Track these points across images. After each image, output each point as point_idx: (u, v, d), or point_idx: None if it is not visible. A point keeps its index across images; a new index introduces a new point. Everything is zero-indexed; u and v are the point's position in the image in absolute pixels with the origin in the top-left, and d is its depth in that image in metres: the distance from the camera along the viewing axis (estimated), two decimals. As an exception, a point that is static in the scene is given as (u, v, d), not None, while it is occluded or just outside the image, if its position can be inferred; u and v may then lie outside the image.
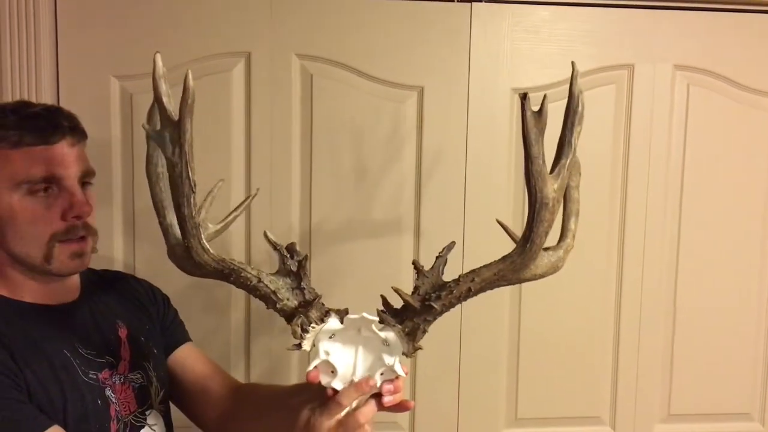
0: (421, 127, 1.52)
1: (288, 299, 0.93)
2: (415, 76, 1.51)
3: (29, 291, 0.99)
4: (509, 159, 1.55)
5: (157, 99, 0.86)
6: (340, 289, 1.51)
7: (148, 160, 1.00)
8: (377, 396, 0.91)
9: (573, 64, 0.88)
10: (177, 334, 1.21)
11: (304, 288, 0.94)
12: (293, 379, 1.54)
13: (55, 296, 1.02)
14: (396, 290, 0.91)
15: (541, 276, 0.96)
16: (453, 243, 0.95)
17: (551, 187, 0.87)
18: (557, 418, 1.63)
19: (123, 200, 1.47)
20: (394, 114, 1.51)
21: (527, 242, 0.89)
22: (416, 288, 0.92)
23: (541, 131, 0.85)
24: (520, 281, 0.94)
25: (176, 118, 0.85)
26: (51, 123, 0.97)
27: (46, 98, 1.40)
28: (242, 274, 0.92)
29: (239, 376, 1.46)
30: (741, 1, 1.56)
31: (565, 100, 0.90)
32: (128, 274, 1.27)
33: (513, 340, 1.60)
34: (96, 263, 1.09)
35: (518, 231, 1.14)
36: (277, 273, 0.94)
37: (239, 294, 1.46)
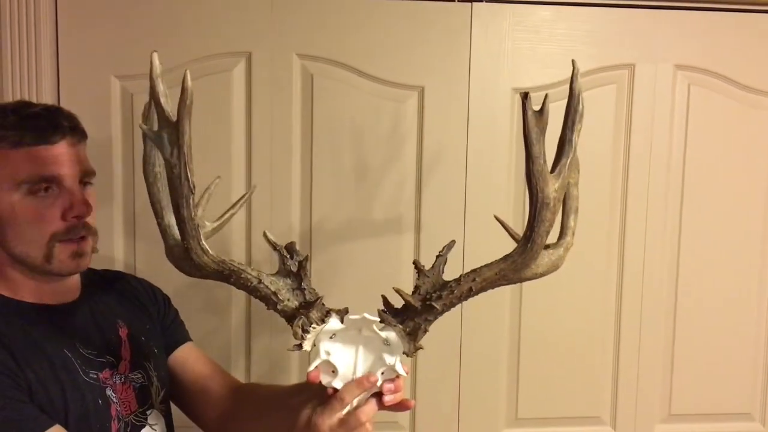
0: (422, 126, 1.52)
1: (288, 300, 0.93)
2: (416, 76, 1.51)
3: (29, 291, 0.99)
4: (510, 159, 1.54)
5: (155, 99, 0.85)
6: (341, 288, 1.51)
7: (145, 159, 1.00)
8: (378, 395, 0.91)
9: (573, 62, 0.88)
10: (177, 334, 1.21)
11: (305, 288, 0.94)
12: (294, 378, 1.54)
13: (55, 296, 1.02)
14: (397, 291, 0.91)
15: (542, 275, 0.96)
16: (453, 242, 0.95)
17: (552, 187, 0.87)
18: (558, 418, 1.63)
19: (123, 200, 1.47)
20: (395, 114, 1.51)
21: (528, 242, 0.89)
22: (417, 287, 0.93)
23: (542, 131, 0.85)
24: (521, 280, 0.94)
25: (174, 118, 0.85)
26: (51, 123, 0.97)
27: (47, 98, 1.40)
28: (242, 276, 0.92)
29: (239, 376, 1.46)
30: (742, 1, 1.56)
31: (566, 100, 0.90)
32: (128, 273, 1.27)
33: (513, 339, 1.60)
34: (96, 263, 1.09)
35: (518, 230, 1.15)
36: (278, 274, 0.94)
37: (239, 294, 1.46)
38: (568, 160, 0.90)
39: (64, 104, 1.39)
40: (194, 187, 0.87)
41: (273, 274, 0.94)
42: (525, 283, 1.07)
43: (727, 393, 1.67)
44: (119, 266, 1.46)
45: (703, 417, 1.67)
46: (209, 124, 1.45)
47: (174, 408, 1.18)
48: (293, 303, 0.93)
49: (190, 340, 1.23)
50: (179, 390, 1.18)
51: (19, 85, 1.39)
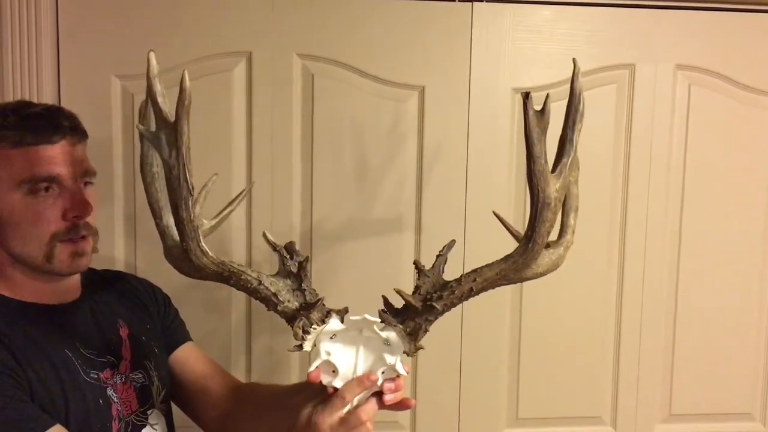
0: (422, 126, 1.52)
1: (289, 301, 0.92)
2: (416, 76, 1.51)
3: (30, 291, 0.99)
4: (510, 158, 1.54)
5: (152, 99, 0.85)
6: (341, 287, 1.51)
7: (143, 159, 0.99)
8: (378, 394, 0.91)
9: (574, 60, 0.88)
10: (177, 334, 1.21)
11: (305, 289, 0.93)
12: (294, 377, 1.54)
13: (56, 296, 1.02)
14: (398, 291, 0.91)
15: (542, 274, 0.96)
16: (453, 241, 0.95)
17: (554, 187, 0.87)
18: (558, 418, 1.63)
19: (124, 200, 1.47)
20: (395, 113, 1.51)
21: (530, 242, 0.89)
22: (417, 287, 0.92)
23: (544, 131, 0.85)
24: (522, 280, 0.94)
25: (172, 119, 0.84)
26: (52, 123, 0.97)
27: (47, 98, 1.40)
28: (242, 277, 0.91)
29: (240, 376, 1.46)
30: (743, 0, 1.56)
31: (566, 100, 0.90)
32: (129, 273, 1.27)
33: (514, 339, 1.60)
34: (97, 263, 1.09)
35: (518, 229, 1.15)
36: (278, 274, 0.94)
37: (240, 293, 1.44)
38: (569, 159, 0.90)
39: (65, 104, 1.40)
40: (193, 188, 0.86)
41: (273, 275, 0.94)
42: (525, 283, 1.07)
43: (728, 393, 1.67)
44: (120, 266, 1.46)
45: (704, 417, 1.67)
46: (210, 124, 1.45)
47: (174, 407, 1.18)
48: (294, 304, 0.92)
49: (190, 339, 1.23)
50: (179, 390, 1.18)
51: (19, 84, 1.39)
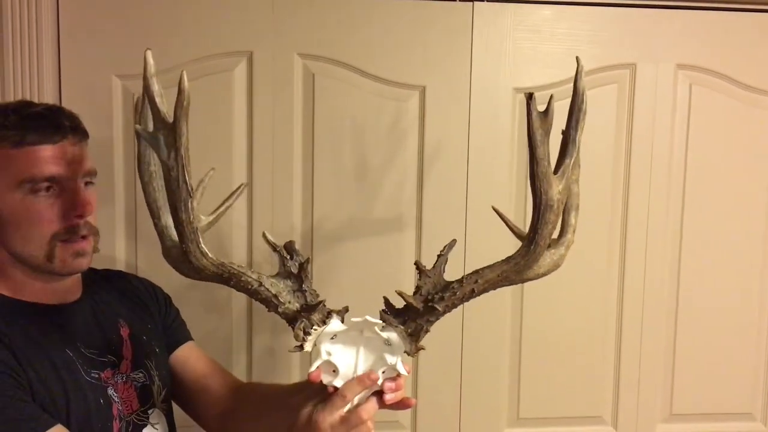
0: (423, 126, 1.52)
1: (290, 302, 0.92)
2: (417, 76, 1.51)
3: (31, 290, 0.99)
4: (511, 158, 1.54)
5: (150, 99, 0.84)
6: (342, 287, 1.51)
7: (140, 158, 0.99)
8: (379, 393, 0.91)
9: (578, 59, 0.87)
10: (178, 334, 1.21)
11: (306, 290, 0.93)
12: (295, 377, 1.54)
13: (56, 296, 1.02)
14: (400, 293, 0.91)
15: (544, 274, 0.96)
16: (454, 241, 0.95)
17: (556, 189, 0.86)
18: (559, 418, 1.63)
19: (125, 199, 1.47)
20: (396, 113, 1.51)
21: (532, 243, 0.89)
22: (418, 288, 0.92)
23: (547, 132, 0.84)
24: (523, 281, 0.94)
25: (170, 119, 0.83)
26: (53, 123, 0.97)
27: (48, 98, 1.40)
28: (242, 279, 0.91)
29: (240, 375, 1.46)
30: (744, 0, 1.56)
31: (567, 100, 0.89)
32: (130, 273, 1.27)
33: (515, 339, 1.60)
34: (98, 263, 1.09)
35: (518, 227, 1.15)
36: (278, 275, 0.94)
37: (240, 293, 1.46)
38: (572, 160, 0.89)
39: (66, 104, 1.40)
40: (193, 190, 0.86)
41: (273, 276, 0.93)
42: (526, 283, 1.06)
43: (729, 393, 1.67)
44: (120, 266, 1.46)
45: (705, 417, 1.67)
46: (210, 124, 1.45)
47: (175, 407, 1.18)
48: (294, 305, 0.92)
49: (191, 339, 1.23)
50: (180, 389, 1.18)
51: (20, 84, 1.39)
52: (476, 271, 0.91)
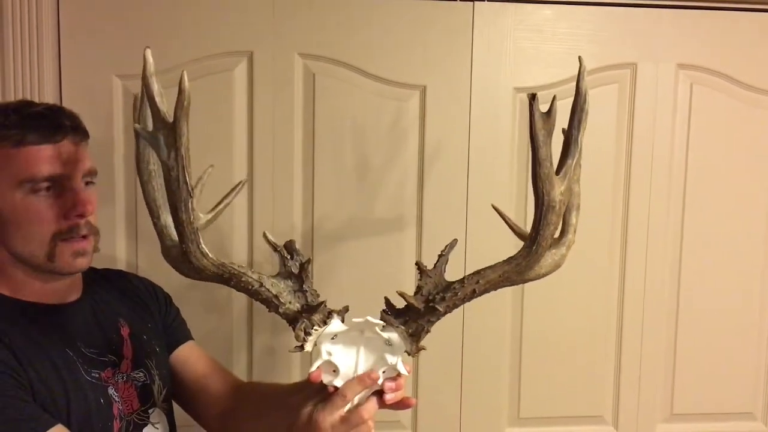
0: (424, 125, 1.52)
1: (290, 303, 0.92)
2: (418, 75, 1.51)
3: (31, 290, 0.99)
4: (511, 158, 1.54)
5: (150, 98, 0.84)
6: (342, 286, 1.51)
7: (138, 158, 0.99)
8: (379, 393, 0.91)
9: (580, 59, 0.87)
10: (178, 333, 1.21)
11: (307, 290, 0.93)
12: (295, 376, 1.54)
13: (57, 295, 1.02)
14: (401, 294, 0.91)
15: (545, 275, 0.96)
16: (455, 241, 0.95)
17: (558, 190, 0.86)
18: (560, 418, 1.63)
19: (125, 199, 1.47)
20: (397, 113, 1.51)
21: (533, 244, 0.88)
22: (419, 288, 0.92)
23: (549, 133, 0.84)
24: (524, 281, 0.94)
25: (170, 118, 0.83)
26: (53, 122, 0.97)
27: (49, 98, 1.40)
28: (243, 279, 0.91)
29: (241, 374, 1.46)
30: (745, 0, 1.55)
31: (568, 99, 0.89)
32: (130, 272, 1.27)
33: (515, 338, 1.60)
34: (98, 262, 1.09)
35: (519, 227, 1.15)
36: (279, 275, 0.94)
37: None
38: (574, 161, 0.89)
39: (66, 104, 1.40)
40: (193, 190, 0.85)
41: (274, 276, 0.93)
42: (527, 283, 1.06)
43: (730, 392, 1.67)
44: (121, 265, 1.46)
45: (705, 416, 1.67)
46: (211, 124, 1.45)
47: (176, 406, 1.18)
48: (295, 306, 0.92)
49: (191, 338, 1.23)
50: (180, 389, 1.18)
51: (21, 84, 1.39)
52: (477, 272, 0.91)
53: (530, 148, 0.84)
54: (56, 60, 1.43)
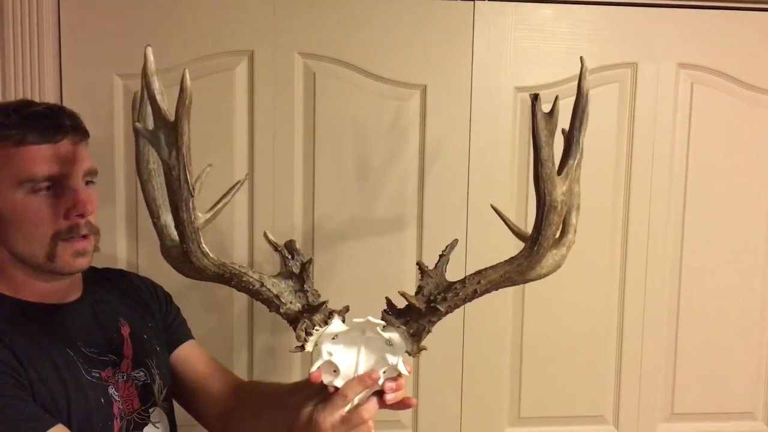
0: (424, 125, 1.52)
1: (291, 303, 0.92)
2: (418, 75, 1.50)
3: (31, 290, 0.99)
4: (512, 157, 1.54)
5: (151, 97, 0.83)
6: (343, 286, 1.51)
7: (138, 157, 0.98)
8: (379, 393, 0.91)
9: (582, 59, 0.86)
10: (179, 332, 1.21)
11: (308, 290, 0.93)
12: (295, 376, 1.54)
13: (57, 295, 1.02)
14: (402, 294, 0.90)
15: (546, 275, 0.96)
16: (456, 241, 0.95)
17: (560, 190, 0.86)
18: (560, 417, 1.63)
19: (126, 199, 1.47)
20: (397, 112, 1.51)
21: (535, 245, 0.88)
22: (420, 288, 0.92)
23: (552, 133, 0.84)
24: (525, 281, 0.94)
25: (171, 117, 0.82)
26: (54, 122, 0.97)
27: (49, 97, 1.40)
28: (244, 279, 0.91)
29: (241, 374, 1.45)
30: (746, -1, 1.56)
31: (568, 99, 0.89)
32: (130, 272, 1.27)
33: (516, 338, 1.60)
34: (99, 262, 1.09)
35: (519, 227, 1.15)
36: (279, 275, 0.93)
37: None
38: (575, 161, 0.89)
39: (67, 103, 1.40)
40: (194, 189, 0.85)
41: (275, 276, 0.93)
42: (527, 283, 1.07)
43: (730, 392, 1.67)
44: (122, 265, 1.46)
45: (706, 416, 1.67)
46: (211, 123, 1.45)
47: (176, 406, 1.18)
48: (296, 306, 0.92)
49: (191, 338, 1.23)
50: (181, 388, 1.18)
51: (21, 84, 1.39)
52: (479, 272, 0.91)
53: (531, 148, 0.84)
54: (57, 59, 1.43)
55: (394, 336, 0.91)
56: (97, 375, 0.99)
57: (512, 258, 0.90)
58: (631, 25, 1.54)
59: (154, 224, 0.97)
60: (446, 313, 0.90)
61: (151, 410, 1.08)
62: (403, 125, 1.51)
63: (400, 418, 1.57)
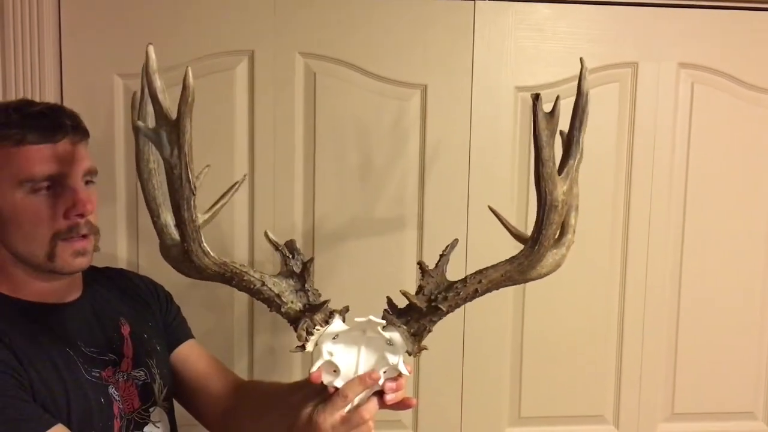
0: (425, 125, 1.51)
1: (292, 302, 0.92)
2: (419, 74, 1.50)
3: (31, 290, 0.99)
4: (512, 157, 1.54)
5: (152, 95, 0.83)
6: (343, 286, 1.51)
7: (138, 156, 0.98)
8: (379, 393, 0.91)
9: (582, 60, 0.86)
10: (179, 332, 1.21)
11: (308, 290, 0.93)
12: (296, 375, 1.54)
13: (57, 295, 1.02)
14: (404, 293, 0.90)
15: (546, 274, 0.96)
16: (456, 241, 0.95)
17: (561, 190, 0.86)
18: (560, 417, 1.63)
19: (126, 198, 1.47)
20: (398, 112, 1.51)
21: (536, 244, 0.88)
22: (421, 288, 0.92)
23: (553, 133, 0.84)
24: (526, 281, 0.94)
25: (173, 116, 0.82)
26: (53, 122, 0.97)
27: (50, 97, 1.40)
28: (245, 278, 0.90)
29: (241, 373, 1.45)
30: (746, -1, 1.56)
31: (569, 99, 0.89)
32: (130, 271, 1.27)
33: (516, 338, 1.60)
34: (99, 261, 1.09)
35: (520, 228, 1.15)
36: (280, 275, 0.93)
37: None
38: (576, 161, 0.89)
39: (67, 103, 1.39)
40: (195, 188, 0.85)
41: (276, 276, 0.93)
42: (528, 282, 1.07)
43: (730, 392, 1.67)
44: (122, 264, 1.46)
45: (706, 416, 1.67)
46: (212, 123, 1.45)
47: (177, 405, 1.18)
48: (297, 305, 0.91)
49: (191, 337, 1.23)
50: (181, 387, 1.18)
51: (21, 83, 1.39)
52: (480, 271, 0.91)
53: (532, 148, 0.84)
54: (57, 59, 1.43)
55: (395, 336, 0.91)
56: (97, 374, 0.99)
57: (513, 257, 0.91)
58: (632, 25, 1.54)
59: (154, 223, 0.97)
60: (447, 312, 0.90)
61: (151, 410, 1.08)
62: (404, 125, 1.51)
63: (401, 418, 1.57)
